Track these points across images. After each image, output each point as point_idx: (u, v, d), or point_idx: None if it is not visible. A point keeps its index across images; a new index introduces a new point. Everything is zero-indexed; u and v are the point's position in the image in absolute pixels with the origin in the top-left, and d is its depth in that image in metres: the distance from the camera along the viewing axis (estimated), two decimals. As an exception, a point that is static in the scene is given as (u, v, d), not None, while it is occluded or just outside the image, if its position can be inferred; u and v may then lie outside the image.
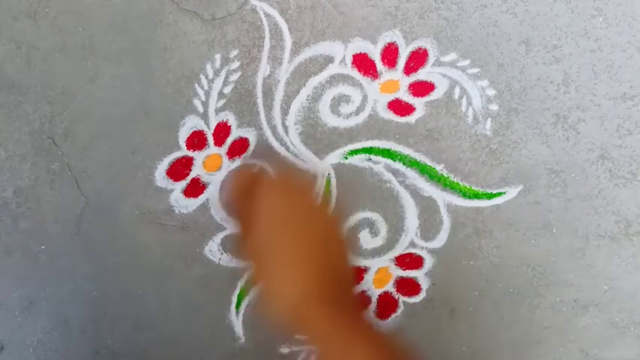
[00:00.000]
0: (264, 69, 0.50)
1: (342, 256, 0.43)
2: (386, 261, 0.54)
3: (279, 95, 0.50)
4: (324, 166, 0.52)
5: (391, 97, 0.51)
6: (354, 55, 0.50)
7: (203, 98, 0.50)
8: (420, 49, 0.50)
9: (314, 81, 0.50)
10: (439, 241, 0.54)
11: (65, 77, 0.49)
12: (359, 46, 0.50)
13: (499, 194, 0.52)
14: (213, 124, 0.51)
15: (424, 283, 0.55)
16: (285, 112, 0.51)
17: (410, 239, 0.54)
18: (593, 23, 0.50)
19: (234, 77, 0.50)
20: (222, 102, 0.50)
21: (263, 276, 0.41)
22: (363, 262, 0.54)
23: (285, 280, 0.39)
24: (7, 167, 0.50)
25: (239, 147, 0.51)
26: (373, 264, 0.54)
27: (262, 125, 0.51)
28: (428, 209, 0.52)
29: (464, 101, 0.51)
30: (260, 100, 0.50)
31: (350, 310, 0.40)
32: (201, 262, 0.52)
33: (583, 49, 0.50)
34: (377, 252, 0.54)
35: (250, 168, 0.49)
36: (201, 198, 0.52)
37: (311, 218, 0.42)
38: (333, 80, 0.51)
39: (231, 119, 0.51)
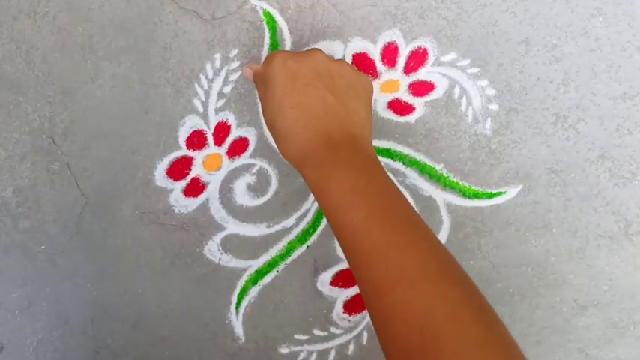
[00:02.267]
0: (263, 69, 0.50)
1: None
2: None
3: (278, 95, 0.50)
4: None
5: (391, 96, 0.51)
6: (353, 55, 0.50)
7: (203, 98, 0.50)
8: (420, 48, 0.50)
9: (314, 81, 0.50)
10: (439, 241, 0.54)
11: (65, 77, 0.49)
12: (359, 45, 0.50)
13: (499, 194, 0.52)
14: (213, 124, 0.51)
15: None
16: (284, 111, 0.51)
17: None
18: (593, 23, 0.50)
19: (234, 77, 0.50)
20: (222, 101, 0.50)
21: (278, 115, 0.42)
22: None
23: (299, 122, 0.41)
24: (6, 167, 0.50)
25: (239, 147, 0.51)
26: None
27: (262, 125, 0.51)
28: (428, 209, 0.52)
29: (464, 101, 0.51)
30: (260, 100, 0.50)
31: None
32: (201, 262, 0.52)
33: (583, 48, 0.50)
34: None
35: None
36: (201, 198, 0.52)
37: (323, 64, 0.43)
38: (333, 80, 0.50)
39: (230, 119, 0.51)
